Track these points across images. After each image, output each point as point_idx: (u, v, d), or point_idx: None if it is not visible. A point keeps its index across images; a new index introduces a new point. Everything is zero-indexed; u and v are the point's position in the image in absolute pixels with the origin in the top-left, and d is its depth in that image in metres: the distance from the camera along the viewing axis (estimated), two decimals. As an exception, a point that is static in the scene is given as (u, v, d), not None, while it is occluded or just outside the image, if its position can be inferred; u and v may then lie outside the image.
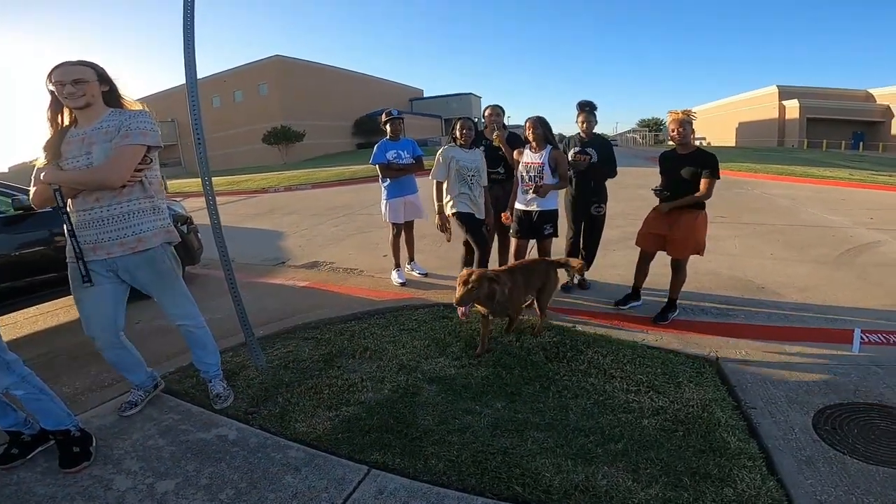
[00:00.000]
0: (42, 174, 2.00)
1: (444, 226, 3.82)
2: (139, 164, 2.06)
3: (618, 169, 4.33)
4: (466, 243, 3.88)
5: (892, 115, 38.29)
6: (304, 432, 2.24)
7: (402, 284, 4.64)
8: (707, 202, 3.53)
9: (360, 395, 2.54)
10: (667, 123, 3.63)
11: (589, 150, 4.09)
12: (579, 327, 3.37)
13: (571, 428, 2.21)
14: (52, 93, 2.00)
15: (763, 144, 39.00)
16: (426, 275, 4.91)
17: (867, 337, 3.40)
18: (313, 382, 2.69)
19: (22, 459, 2.06)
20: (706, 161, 3.46)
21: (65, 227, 2.04)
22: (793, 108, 41.19)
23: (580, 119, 4.13)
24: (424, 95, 61.04)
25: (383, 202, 4.66)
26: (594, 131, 4.24)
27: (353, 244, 6.70)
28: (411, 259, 5.03)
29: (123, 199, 2.09)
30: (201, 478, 1.96)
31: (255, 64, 41.97)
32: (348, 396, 2.53)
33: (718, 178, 3.45)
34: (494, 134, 4.16)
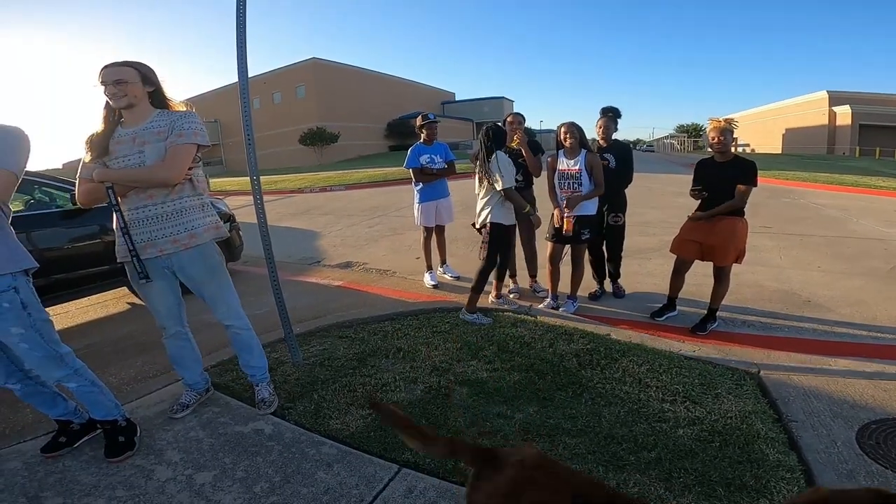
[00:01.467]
0: (94, 172, 2.04)
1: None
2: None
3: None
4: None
5: None
6: (337, 429, 2.28)
7: (435, 287, 4.69)
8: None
9: (393, 394, 2.57)
10: (707, 131, 3.56)
11: (607, 155, 4.03)
12: (613, 335, 3.31)
13: (604, 435, 2.18)
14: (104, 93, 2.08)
15: (812, 152, 37.35)
16: (458, 278, 4.94)
17: (918, 353, 3.23)
18: (347, 381, 2.74)
19: (69, 448, 2.15)
20: (745, 169, 3.39)
21: (117, 224, 2.11)
22: (844, 114, 39.32)
23: (599, 124, 4.10)
24: (456, 99, 61.13)
25: (416, 205, 4.71)
26: (613, 137, 4.18)
27: (386, 245, 6.79)
28: (443, 262, 5.06)
29: (175, 197, 2.15)
30: (237, 470, 2.01)
31: (292, 66, 43.10)
32: (381, 396, 2.56)
33: (756, 185, 3.37)
34: (515, 137, 4.13)
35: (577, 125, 3.81)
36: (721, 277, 3.56)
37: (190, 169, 2.16)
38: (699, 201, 3.58)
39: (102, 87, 2.02)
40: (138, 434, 2.23)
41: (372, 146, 44.85)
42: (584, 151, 3.75)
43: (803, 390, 2.59)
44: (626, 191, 4.22)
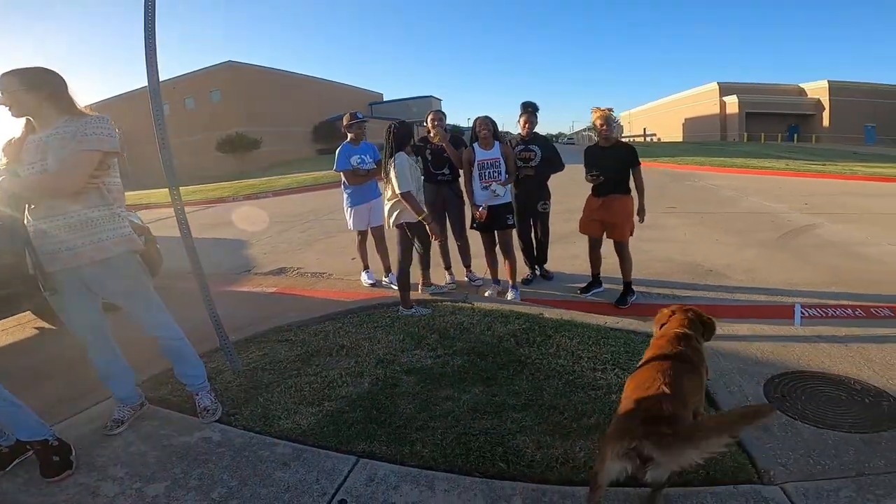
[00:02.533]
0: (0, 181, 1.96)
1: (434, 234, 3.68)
2: (96, 170, 2.03)
3: (571, 165, 4.56)
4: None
5: (823, 108, 41.08)
6: (288, 429, 2.27)
7: (373, 285, 4.69)
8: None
9: (341, 390, 2.59)
10: (592, 120, 3.97)
11: (532, 147, 4.30)
12: (546, 314, 3.52)
13: (546, 406, 2.34)
14: None
15: (707, 139, 41.03)
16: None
17: (807, 311, 3.74)
18: (293, 381, 2.71)
19: (1, 472, 2.01)
20: (630, 152, 3.88)
21: (25, 236, 2.00)
22: (732, 103, 43.44)
23: (522, 119, 4.35)
24: (384, 99, 60.59)
25: (347, 209, 4.57)
26: (535, 131, 4.44)
27: (319, 249, 6.68)
28: (388, 271, 4.74)
29: (81, 207, 2.03)
30: (190, 479, 1.96)
31: (206, 70, 40.58)
32: (329, 392, 2.57)
33: (640, 164, 3.90)
34: (434, 132, 4.27)
35: (492, 119, 4.06)
36: (623, 253, 3.98)
37: (96, 177, 2.04)
38: (593, 185, 3.99)
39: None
40: (73, 454, 2.09)
41: (298, 151, 43.31)
42: (497, 143, 3.98)
43: (713, 351, 2.88)
44: (553, 180, 4.50)
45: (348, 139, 4.54)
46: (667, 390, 1.60)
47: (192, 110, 41.63)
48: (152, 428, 2.36)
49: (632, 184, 3.92)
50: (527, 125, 4.33)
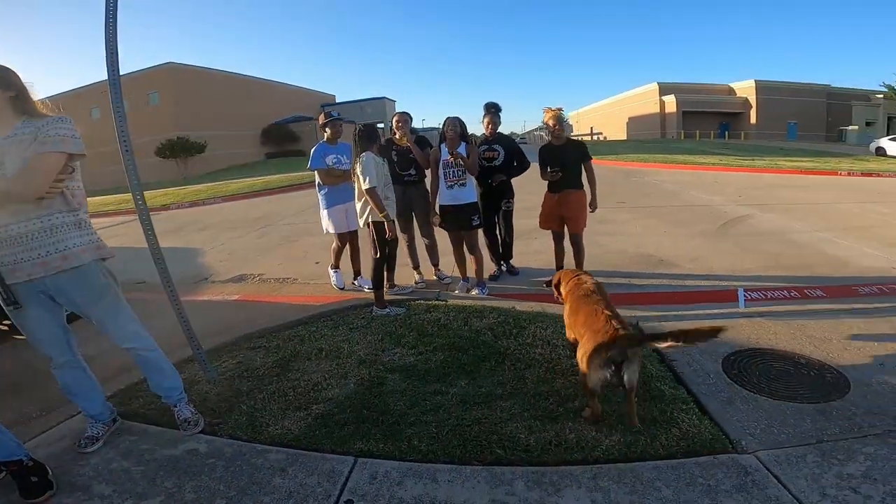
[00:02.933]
0: None
1: (392, 232, 3.70)
2: (59, 174, 1.91)
3: (533, 165, 4.71)
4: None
5: (750, 107, 43.91)
6: (279, 435, 2.24)
7: (342, 289, 4.62)
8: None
9: (327, 392, 2.58)
10: (545, 120, 4.18)
11: (496, 147, 4.43)
12: (518, 307, 3.65)
13: (531, 394, 2.45)
14: None
15: (649, 137, 43.03)
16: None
17: (749, 294, 4.06)
18: (275, 387, 2.67)
19: None
20: (581, 148, 4.18)
21: None
22: (671, 102, 45.68)
23: (486, 120, 4.48)
24: (337, 101, 59.30)
25: (323, 212, 4.42)
26: (499, 131, 4.56)
27: (280, 254, 6.51)
28: (357, 274, 4.70)
29: (43, 214, 1.91)
30: (185, 493, 1.89)
31: (144, 71, 38.14)
32: (315, 395, 2.55)
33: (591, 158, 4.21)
34: (399, 133, 4.31)
35: (460, 119, 4.11)
36: (579, 244, 4.26)
37: (60, 182, 1.93)
38: (549, 181, 4.22)
39: None
40: (51, 473, 1.96)
41: (246, 154, 41.60)
42: (463, 143, 4.06)
43: (673, 335, 3.13)
44: (516, 179, 4.64)
45: (325, 138, 4.43)
46: (610, 313, 2.23)
47: (127, 113, 39.02)
48: (130, 443, 2.26)
49: (584, 178, 4.19)
50: (490, 125, 4.44)
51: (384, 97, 54.90)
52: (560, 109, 4.10)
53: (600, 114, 61.83)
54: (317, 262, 5.69)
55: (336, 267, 4.69)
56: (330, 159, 4.32)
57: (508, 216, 4.66)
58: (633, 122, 51.08)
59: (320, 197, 4.42)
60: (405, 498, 1.80)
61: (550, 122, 4.09)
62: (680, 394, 2.45)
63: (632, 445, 2.04)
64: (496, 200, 4.53)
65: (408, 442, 2.11)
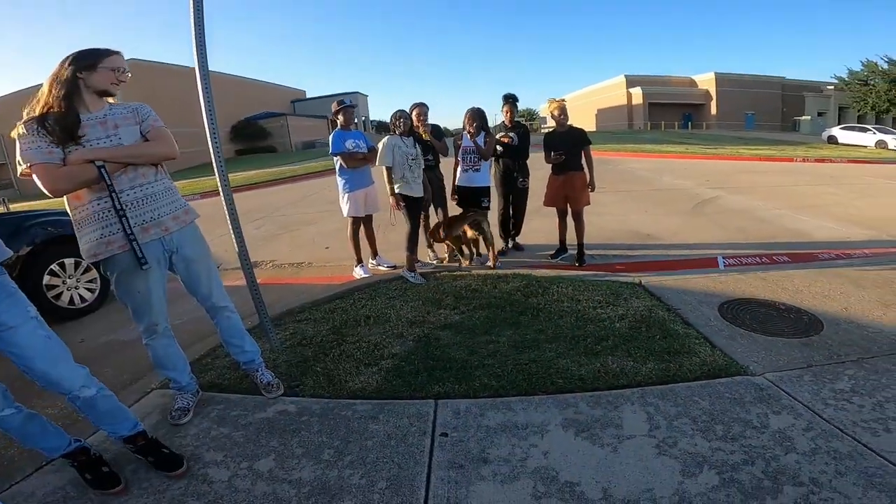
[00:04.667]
0: (72, 154, 1.88)
1: (398, 204, 4.18)
2: None
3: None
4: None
5: (711, 98, 45.29)
6: (359, 388, 2.47)
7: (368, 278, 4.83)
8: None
9: (390, 349, 2.86)
10: (550, 109, 4.65)
11: (511, 134, 4.83)
12: (536, 274, 4.04)
13: (570, 337, 2.84)
14: (77, 76, 1.93)
15: (617, 128, 43.97)
16: (395, 267, 4.78)
17: (727, 260, 4.69)
18: (339, 350, 2.90)
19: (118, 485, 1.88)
20: (582, 134, 4.65)
21: (113, 207, 1.95)
22: (637, 94, 46.47)
23: (505, 109, 4.90)
24: (307, 96, 57.91)
25: (343, 195, 4.57)
26: (516, 119, 5.02)
27: (285, 242, 6.67)
28: (375, 254, 4.93)
29: (162, 176, 2.13)
30: (293, 448, 2.03)
31: None
32: (380, 352, 2.83)
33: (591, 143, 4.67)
34: (421, 129, 4.61)
35: (481, 112, 4.57)
36: (580, 218, 4.71)
37: None
38: (552, 164, 4.66)
39: (112, 72, 1.96)
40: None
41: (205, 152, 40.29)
42: (483, 133, 4.48)
43: (672, 290, 3.59)
44: None
45: (339, 125, 4.58)
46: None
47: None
48: (219, 412, 2.36)
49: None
50: (509, 113, 4.88)
51: (356, 92, 54.06)
52: (563, 101, 4.58)
53: (570, 106, 62.25)
54: (326, 247, 5.91)
55: (359, 261, 4.78)
56: (350, 143, 4.47)
57: (523, 194, 5.04)
58: (602, 114, 51.83)
59: (341, 182, 4.56)
60: (490, 426, 2.10)
61: (555, 112, 4.54)
62: (691, 332, 2.89)
63: (665, 371, 2.45)
64: (512, 178, 4.91)
65: (480, 381, 2.44)
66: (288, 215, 8.85)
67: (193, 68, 2.55)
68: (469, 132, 4.49)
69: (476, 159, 4.46)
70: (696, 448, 1.89)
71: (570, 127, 4.67)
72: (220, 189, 2.77)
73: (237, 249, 2.86)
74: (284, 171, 16.30)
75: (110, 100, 2.10)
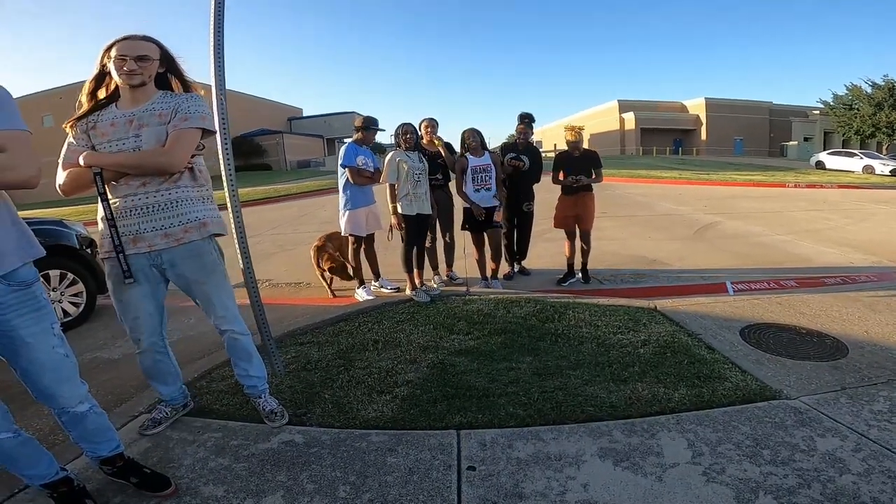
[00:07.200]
0: (81, 156, 1.82)
1: (399, 224, 4.07)
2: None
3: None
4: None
5: (701, 124, 46.30)
6: (373, 418, 2.28)
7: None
8: None
9: (403, 376, 2.68)
10: (569, 135, 4.68)
11: (523, 157, 4.77)
12: (548, 298, 3.91)
13: (594, 364, 2.70)
14: (103, 66, 1.87)
15: (610, 153, 44.54)
16: (398, 289, 4.60)
17: (735, 286, 4.62)
18: (348, 376, 2.72)
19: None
20: (596, 157, 4.73)
21: (102, 215, 1.89)
22: (630, 119, 47.36)
23: (519, 128, 4.80)
24: (304, 115, 57.98)
25: (345, 213, 4.38)
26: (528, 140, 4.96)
27: (281, 261, 6.48)
28: (377, 276, 4.76)
29: (171, 186, 1.94)
30: (303, 484, 1.85)
31: (83, 82, 36.02)
32: (393, 379, 2.65)
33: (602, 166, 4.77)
34: (436, 142, 4.56)
35: (478, 130, 4.46)
36: (588, 240, 4.73)
37: (192, 157, 1.99)
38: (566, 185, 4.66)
39: (117, 62, 1.83)
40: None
41: (212, 167, 40.02)
42: (486, 152, 4.41)
43: (690, 314, 3.50)
44: None
45: (354, 138, 4.43)
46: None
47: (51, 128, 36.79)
48: (217, 440, 2.16)
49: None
50: (522, 134, 4.83)
51: (353, 111, 54.50)
52: (582, 128, 4.70)
53: (561, 131, 63.40)
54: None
55: (361, 283, 4.63)
56: (360, 160, 4.34)
57: (528, 218, 4.95)
58: (595, 139, 52.23)
59: (343, 198, 4.40)
60: (521, 457, 1.94)
61: (573, 138, 4.58)
62: (717, 357, 2.78)
63: (698, 396, 2.33)
64: (518, 202, 4.82)
65: (504, 410, 2.27)
66: (283, 234, 8.68)
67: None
68: (470, 144, 4.37)
69: (486, 178, 4.36)
70: (745, 474, 1.80)
71: (585, 150, 4.75)
72: (228, 205, 2.63)
73: (242, 266, 2.70)
74: (279, 189, 16.15)
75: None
